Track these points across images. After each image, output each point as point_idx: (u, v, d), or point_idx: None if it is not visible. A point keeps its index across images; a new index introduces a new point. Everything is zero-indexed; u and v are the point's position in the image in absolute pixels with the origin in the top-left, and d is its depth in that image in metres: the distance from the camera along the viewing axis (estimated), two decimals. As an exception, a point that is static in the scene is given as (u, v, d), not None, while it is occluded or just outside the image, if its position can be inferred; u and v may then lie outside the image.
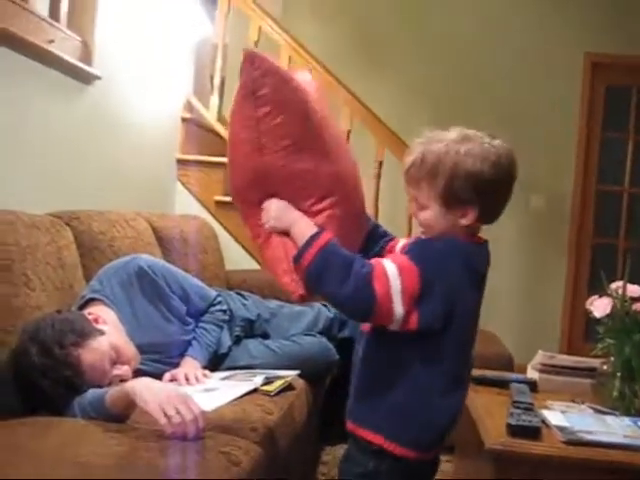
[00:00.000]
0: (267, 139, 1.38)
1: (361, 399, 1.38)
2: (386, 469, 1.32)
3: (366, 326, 1.39)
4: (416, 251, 1.32)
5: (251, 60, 1.40)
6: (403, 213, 3.82)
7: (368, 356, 1.37)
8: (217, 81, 4.06)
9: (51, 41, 2.44)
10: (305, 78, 1.52)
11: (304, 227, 1.34)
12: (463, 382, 1.38)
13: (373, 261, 1.29)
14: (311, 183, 1.40)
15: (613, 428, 1.63)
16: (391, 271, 1.25)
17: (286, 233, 1.36)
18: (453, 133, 1.33)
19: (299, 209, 1.38)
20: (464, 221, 1.31)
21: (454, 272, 1.29)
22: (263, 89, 1.38)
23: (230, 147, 1.48)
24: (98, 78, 2.76)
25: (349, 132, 3.84)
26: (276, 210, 1.38)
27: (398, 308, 1.24)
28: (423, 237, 1.37)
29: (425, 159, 1.30)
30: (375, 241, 1.51)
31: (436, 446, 1.37)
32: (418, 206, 1.34)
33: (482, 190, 1.29)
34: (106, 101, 2.91)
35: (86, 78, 2.71)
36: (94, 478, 1.16)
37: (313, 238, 1.30)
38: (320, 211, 1.40)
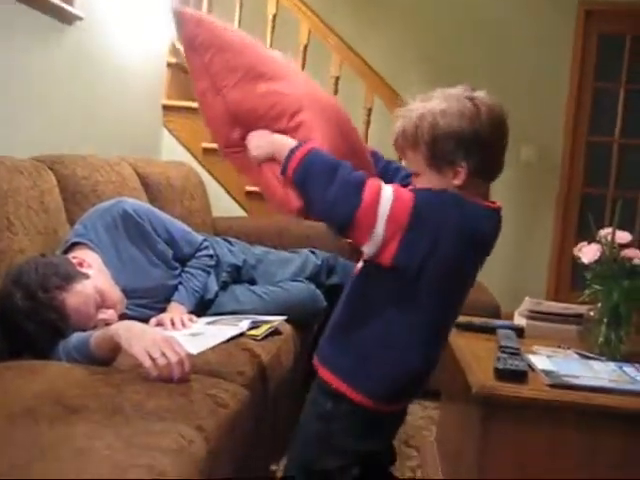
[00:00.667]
0: (220, 79, 1.45)
1: (331, 339, 1.38)
2: (342, 412, 1.32)
3: (356, 270, 1.37)
4: (419, 189, 1.30)
5: (179, 18, 1.50)
6: (393, 156, 3.78)
7: (349, 299, 1.37)
8: (203, 25, 3.97)
9: (31, -22, 2.35)
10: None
11: (285, 143, 1.34)
12: (435, 342, 1.35)
13: (371, 178, 1.27)
14: (277, 103, 1.41)
15: (599, 373, 1.65)
16: (386, 191, 1.23)
17: (272, 159, 1.36)
18: (433, 95, 1.30)
19: (277, 132, 1.39)
20: (457, 181, 1.27)
21: (448, 221, 1.24)
22: (198, 38, 1.47)
23: (200, 106, 1.53)
24: (80, 18, 2.67)
25: (338, 78, 3.78)
26: (256, 139, 1.38)
27: (379, 229, 1.22)
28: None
29: (406, 127, 1.29)
30: (390, 178, 1.46)
31: (395, 400, 1.35)
32: (413, 174, 1.32)
33: (467, 147, 1.26)
34: (88, 42, 2.84)
35: (67, 18, 2.62)
36: (79, 418, 1.15)
37: (295, 148, 1.30)
38: (298, 125, 1.40)
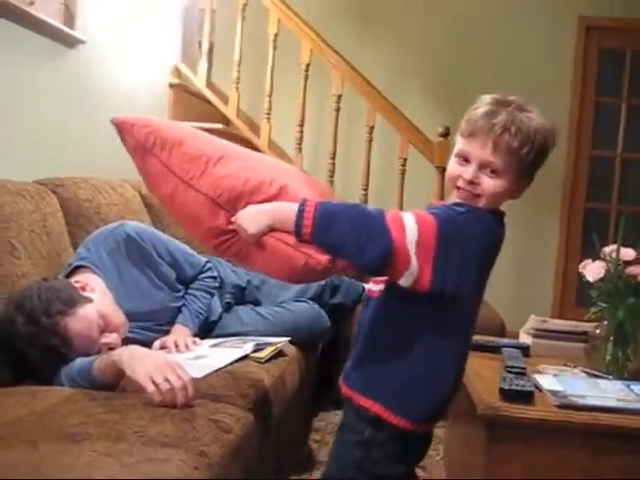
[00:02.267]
0: (185, 173, 1.45)
1: (362, 365, 1.34)
2: (383, 438, 1.29)
3: (374, 292, 1.35)
4: (438, 210, 1.28)
5: (124, 128, 1.54)
6: (395, 176, 3.80)
7: (376, 321, 1.33)
8: (205, 46, 4.01)
9: (31, 3, 2.37)
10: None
11: (285, 208, 1.31)
12: (465, 357, 1.36)
13: (388, 211, 1.25)
14: (251, 177, 1.41)
15: (606, 392, 1.63)
16: (408, 220, 1.22)
17: (272, 229, 1.33)
18: (530, 104, 1.30)
19: (261, 203, 1.37)
20: (517, 194, 1.30)
21: (474, 237, 1.25)
22: (150, 139, 1.49)
23: (172, 211, 1.54)
24: (82, 42, 2.70)
25: (340, 97, 3.80)
26: (246, 218, 1.34)
27: (413, 259, 1.20)
28: (442, 202, 1.34)
29: (520, 127, 1.24)
30: None
31: (435, 419, 1.35)
32: (488, 173, 1.26)
33: (540, 166, 1.30)
34: (91, 66, 2.85)
35: (69, 42, 2.64)
36: (82, 448, 1.13)
37: (302, 206, 1.26)
38: (280, 189, 1.40)
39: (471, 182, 1.27)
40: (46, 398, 1.41)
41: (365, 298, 1.39)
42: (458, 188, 1.29)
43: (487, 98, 1.29)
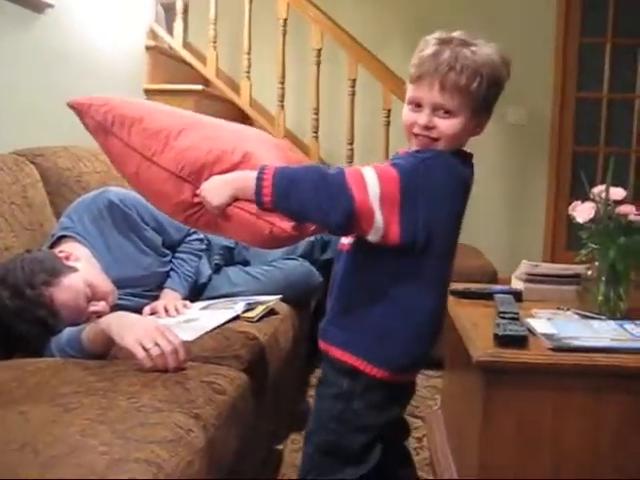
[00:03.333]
0: (147, 149, 1.43)
1: (337, 318, 1.34)
2: (361, 389, 1.29)
3: (345, 245, 1.34)
4: (399, 160, 1.25)
5: (81, 110, 1.53)
6: (380, 128, 3.75)
7: (347, 275, 1.33)
8: (180, 5, 3.92)
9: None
10: None
11: (242, 177, 1.29)
12: (443, 301, 1.34)
13: (348, 167, 1.23)
14: (213, 147, 1.39)
15: (600, 332, 1.62)
16: (369, 175, 1.19)
17: (236, 199, 1.30)
18: (476, 37, 1.25)
19: (225, 172, 1.35)
20: (478, 130, 1.27)
21: (439, 182, 1.23)
22: (109, 118, 1.47)
23: (140, 188, 1.52)
24: (50, 6, 2.61)
25: (320, 50, 3.73)
26: (209, 190, 1.31)
27: (378, 214, 1.18)
28: (404, 152, 1.30)
29: (465, 64, 1.20)
30: None
31: (412, 368, 1.35)
32: (442, 115, 1.23)
33: (497, 98, 1.26)
34: (62, 31, 2.77)
35: (37, 6, 2.56)
36: (74, 417, 1.12)
37: (260, 174, 1.23)
38: (243, 157, 1.38)
39: (427, 127, 1.24)
40: (37, 370, 1.39)
41: (337, 252, 1.38)
42: (416, 135, 1.26)
43: (431, 39, 1.25)
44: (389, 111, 3.71)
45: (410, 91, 1.26)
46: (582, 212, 1.84)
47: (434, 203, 1.22)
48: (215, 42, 3.88)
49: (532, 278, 2.05)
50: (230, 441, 1.29)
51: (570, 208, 1.90)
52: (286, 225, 1.31)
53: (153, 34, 3.86)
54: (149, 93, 3.70)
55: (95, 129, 1.51)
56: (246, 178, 1.26)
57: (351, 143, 3.79)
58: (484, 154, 4.62)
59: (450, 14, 4.50)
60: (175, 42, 3.92)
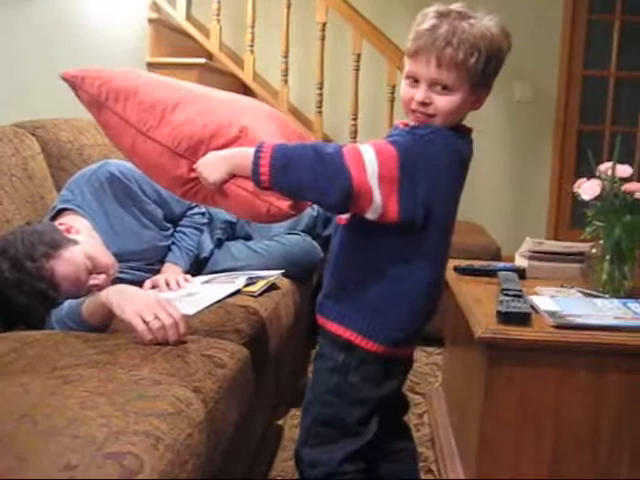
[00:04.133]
0: (143, 124, 1.41)
1: (333, 293, 1.33)
2: (356, 363, 1.29)
3: (342, 219, 1.32)
4: (397, 137, 1.24)
5: (75, 83, 1.50)
6: (384, 104, 3.72)
7: (343, 249, 1.32)
8: (183, -23, 3.87)
9: None
10: None
11: (239, 154, 1.26)
12: (440, 278, 1.33)
13: (347, 145, 1.21)
14: (209, 122, 1.37)
15: (603, 310, 1.61)
16: (367, 153, 1.17)
17: (233, 176, 1.28)
18: (476, 10, 1.22)
19: (222, 148, 1.33)
20: (477, 105, 1.24)
21: (438, 159, 1.21)
22: (103, 91, 1.44)
23: (136, 163, 1.51)
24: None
25: (324, 25, 3.69)
26: (206, 166, 1.28)
27: (375, 191, 1.17)
28: (404, 126, 1.28)
29: (462, 38, 1.17)
30: None
31: (407, 343, 1.34)
32: (439, 90, 1.20)
33: (497, 72, 1.23)
34: (61, 3, 2.73)
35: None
36: (73, 389, 1.11)
37: (258, 152, 1.20)
38: (241, 131, 1.36)
39: (424, 103, 1.21)
40: (37, 342, 1.38)
41: (335, 225, 1.36)
42: (413, 111, 1.24)
43: (429, 12, 1.22)
44: (393, 87, 3.68)
45: (408, 66, 1.24)
46: (588, 189, 1.82)
47: (433, 180, 1.21)
48: (218, 15, 3.84)
49: (536, 255, 2.04)
50: (230, 415, 1.28)
51: (575, 185, 1.88)
52: (283, 204, 1.31)
53: (156, 6, 3.82)
54: (152, 66, 3.67)
55: (89, 103, 1.50)
56: (244, 155, 1.24)
57: (355, 118, 3.76)
58: (489, 131, 4.61)
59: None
60: (178, 15, 3.87)
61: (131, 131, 1.42)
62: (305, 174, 1.18)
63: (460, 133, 1.26)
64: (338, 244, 1.33)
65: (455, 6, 1.22)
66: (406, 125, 1.28)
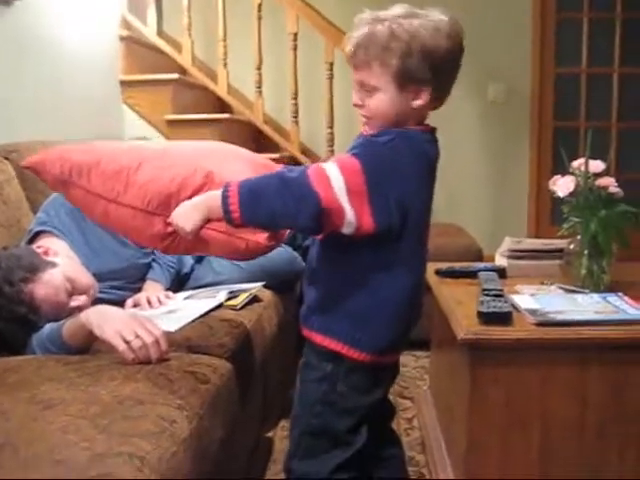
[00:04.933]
0: (109, 191, 1.42)
1: (315, 304, 1.33)
2: (344, 372, 1.29)
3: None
4: (360, 147, 1.24)
5: (37, 169, 1.51)
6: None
7: (322, 261, 1.32)
8: (152, -6, 3.87)
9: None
10: None
11: (209, 199, 1.25)
12: (419, 284, 1.34)
13: (311, 166, 1.22)
14: (175, 175, 1.40)
15: (583, 306, 1.63)
16: (331, 171, 1.17)
17: (208, 221, 1.27)
18: (397, 9, 1.22)
19: (192, 197, 1.33)
20: (418, 102, 1.22)
21: (404, 164, 1.21)
22: (65, 170, 1.45)
23: (114, 229, 1.54)
24: (18, -2, 2.57)
25: (296, 34, 3.70)
26: (179, 217, 1.26)
27: (347, 207, 1.17)
28: (366, 134, 1.29)
29: (374, 37, 1.19)
30: None
31: (393, 350, 1.34)
32: (367, 92, 1.23)
33: (437, 66, 1.20)
34: (33, 24, 2.73)
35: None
36: (55, 414, 1.10)
37: (224, 192, 1.20)
38: (206, 176, 1.39)
39: (358, 105, 1.26)
40: (17, 367, 1.37)
41: (312, 238, 1.37)
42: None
43: (362, 18, 1.24)
44: (368, 93, 3.68)
45: None
46: (562, 186, 1.83)
47: (402, 184, 1.21)
48: (190, 30, 3.84)
49: (515, 254, 2.05)
50: (215, 430, 1.28)
51: (550, 182, 1.89)
52: (259, 237, 1.33)
53: (127, 24, 3.81)
54: (125, 85, 3.66)
55: (54, 184, 1.51)
56: (213, 198, 1.23)
57: (331, 126, 3.77)
58: (466, 132, 4.63)
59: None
60: (149, 31, 3.87)
61: (101, 202, 1.44)
62: (273, 203, 1.18)
63: (424, 133, 1.27)
64: (316, 257, 1.33)
65: (391, 10, 1.23)
66: (365, 134, 1.29)
